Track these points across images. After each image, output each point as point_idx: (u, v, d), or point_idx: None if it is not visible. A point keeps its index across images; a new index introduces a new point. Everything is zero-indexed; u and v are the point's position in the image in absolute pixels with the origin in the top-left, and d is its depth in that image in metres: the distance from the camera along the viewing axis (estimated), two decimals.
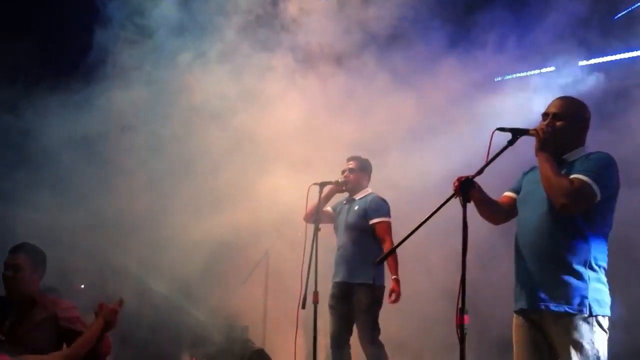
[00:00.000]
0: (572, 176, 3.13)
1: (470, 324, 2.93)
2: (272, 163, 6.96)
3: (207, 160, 7.15)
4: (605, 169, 3.16)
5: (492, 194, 3.51)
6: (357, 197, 5.53)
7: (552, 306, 3.11)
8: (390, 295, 5.14)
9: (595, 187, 3.08)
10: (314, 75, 7.15)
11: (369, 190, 5.58)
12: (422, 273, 6.49)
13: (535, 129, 3.26)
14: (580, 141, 3.34)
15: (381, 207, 5.40)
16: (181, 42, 7.37)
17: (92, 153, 7.44)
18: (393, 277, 5.16)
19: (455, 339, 2.93)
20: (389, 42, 7.13)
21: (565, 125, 3.29)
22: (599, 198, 3.09)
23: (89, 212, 7.24)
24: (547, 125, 3.29)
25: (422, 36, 6.99)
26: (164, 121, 7.39)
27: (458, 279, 2.94)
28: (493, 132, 3.14)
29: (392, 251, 3.34)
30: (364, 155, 5.70)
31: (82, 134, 7.28)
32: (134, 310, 7.00)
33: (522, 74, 7.74)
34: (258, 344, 6.73)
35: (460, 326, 2.92)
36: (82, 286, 7.76)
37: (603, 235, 3.20)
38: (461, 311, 2.93)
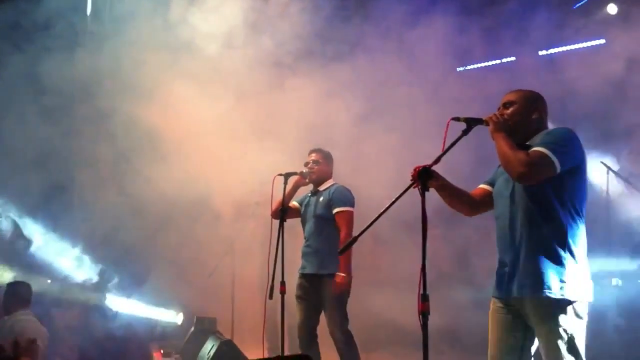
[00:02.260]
0: (530, 150, 3.15)
1: None
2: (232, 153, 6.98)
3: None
4: (565, 141, 3.17)
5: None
6: (322, 188, 5.57)
7: (530, 292, 3.13)
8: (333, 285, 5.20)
9: (553, 157, 3.08)
10: None
11: (332, 181, 5.62)
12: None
13: (488, 116, 3.31)
14: (539, 126, 3.35)
15: (345, 196, 5.44)
16: None
17: None
18: (340, 274, 5.22)
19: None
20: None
21: (516, 109, 3.33)
22: (558, 169, 3.09)
23: None
24: (498, 112, 3.35)
25: (378, 23, 7.04)
26: None
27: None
28: (448, 122, 3.18)
29: (354, 241, 3.34)
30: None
31: None
32: (99, 304, 7.00)
33: (483, 64, 7.84)
34: (227, 336, 6.74)
35: (423, 313, 2.95)
36: (49, 281, 7.71)
37: (577, 214, 3.19)
38: (423, 298, 2.96)
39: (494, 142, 3.26)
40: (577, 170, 3.21)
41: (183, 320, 7.70)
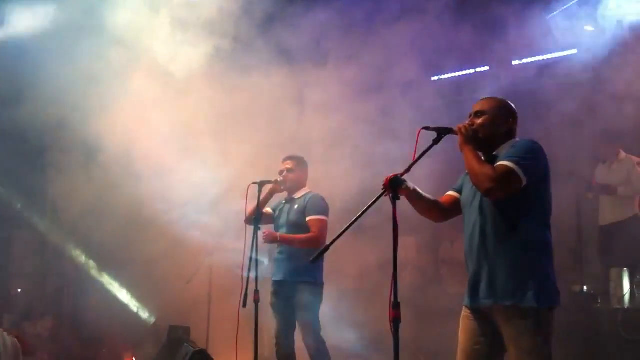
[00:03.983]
0: (496, 164, 3.20)
1: None
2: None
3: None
4: (530, 154, 3.21)
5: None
6: (297, 196, 5.57)
7: (499, 301, 3.18)
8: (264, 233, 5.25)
9: (518, 171, 3.13)
10: None
11: (307, 189, 5.63)
12: None
13: (458, 127, 3.34)
14: (509, 135, 3.40)
15: (319, 205, 5.45)
16: None
17: None
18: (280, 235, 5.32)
19: None
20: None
21: (487, 120, 3.38)
22: (524, 182, 3.14)
23: None
24: (469, 122, 3.40)
25: (349, 27, 7.07)
26: None
27: None
28: (419, 132, 3.22)
29: (326, 250, 3.35)
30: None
31: None
32: (73, 312, 6.93)
33: (457, 74, 7.91)
34: (201, 345, 6.70)
35: (394, 320, 2.97)
36: (19, 290, 7.61)
37: (543, 224, 3.26)
38: (394, 305, 2.98)
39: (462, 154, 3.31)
40: (543, 181, 3.27)
41: (157, 325, 7.64)
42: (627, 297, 6.27)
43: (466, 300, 3.38)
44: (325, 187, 5.76)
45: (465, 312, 3.40)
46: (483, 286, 3.25)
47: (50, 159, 7.61)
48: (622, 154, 7.17)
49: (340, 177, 6.58)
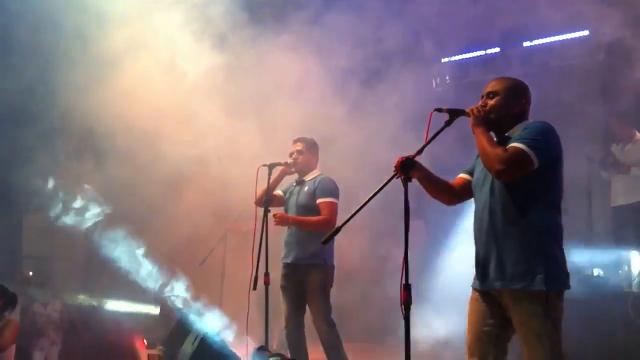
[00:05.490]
0: (508, 146, 3.18)
1: None
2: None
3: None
4: (542, 136, 3.18)
5: None
6: (307, 178, 5.56)
7: (509, 284, 3.17)
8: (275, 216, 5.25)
9: (530, 153, 3.11)
10: None
11: (318, 171, 5.61)
12: None
13: (470, 108, 3.32)
14: (521, 117, 3.37)
15: (329, 187, 5.43)
16: None
17: None
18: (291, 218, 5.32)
19: None
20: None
21: (499, 101, 3.35)
22: (536, 164, 3.12)
23: None
24: (481, 103, 3.37)
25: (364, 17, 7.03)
26: None
27: None
28: (431, 113, 3.19)
29: (337, 231, 3.34)
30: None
31: None
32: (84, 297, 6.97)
33: (467, 55, 7.86)
34: (213, 327, 6.72)
35: (405, 304, 2.97)
36: (30, 273, 7.67)
37: (554, 207, 3.23)
38: (405, 287, 2.98)
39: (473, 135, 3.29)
40: (555, 163, 3.24)
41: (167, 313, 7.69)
42: (637, 280, 6.25)
43: (475, 283, 3.38)
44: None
45: (473, 295, 3.39)
46: (492, 269, 3.24)
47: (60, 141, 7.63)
48: (638, 135, 7.12)
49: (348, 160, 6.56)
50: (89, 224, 7.53)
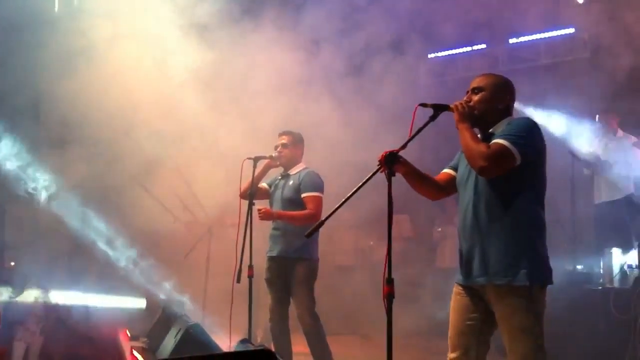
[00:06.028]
0: (491, 142, 3.20)
1: None
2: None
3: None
4: (525, 132, 3.20)
5: None
6: (292, 172, 5.56)
7: (492, 279, 3.19)
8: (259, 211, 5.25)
9: (513, 149, 3.13)
10: None
11: (303, 165, 5.61)
12: None
13: (454, 104, 3.33)
14: (505, 113, 3.39)
15: (314, 181, 5.44)
16: None
17: None
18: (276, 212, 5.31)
19: None
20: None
21: (484, 96, 3.36)
22: (519, 160, 3.14)
23: None
24: (466, 99, 3.39)
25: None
26: None
27: None
28: (416, 108, 3.20)
29: (321, 225, 3.35)
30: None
31: None
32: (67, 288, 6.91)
33: (453, 51, 7.87)
34: (197, 319, 6.72)
35: (388, 296, 2.99)
36: (12, 264, 7.61)
37: (537, 202, 3.26)
38: (387, 281, 3.00)
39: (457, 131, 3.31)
40: (538, 160, 3.26)
41: (151, 303, 7.67)
42: (618, 277, 6.30)
43: (458, 278, 3.40)
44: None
45: (457, 289, 3.42)
46: (476, 264, 3.27)
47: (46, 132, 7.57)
48: (620, 132, 7.15)
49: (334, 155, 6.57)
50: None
